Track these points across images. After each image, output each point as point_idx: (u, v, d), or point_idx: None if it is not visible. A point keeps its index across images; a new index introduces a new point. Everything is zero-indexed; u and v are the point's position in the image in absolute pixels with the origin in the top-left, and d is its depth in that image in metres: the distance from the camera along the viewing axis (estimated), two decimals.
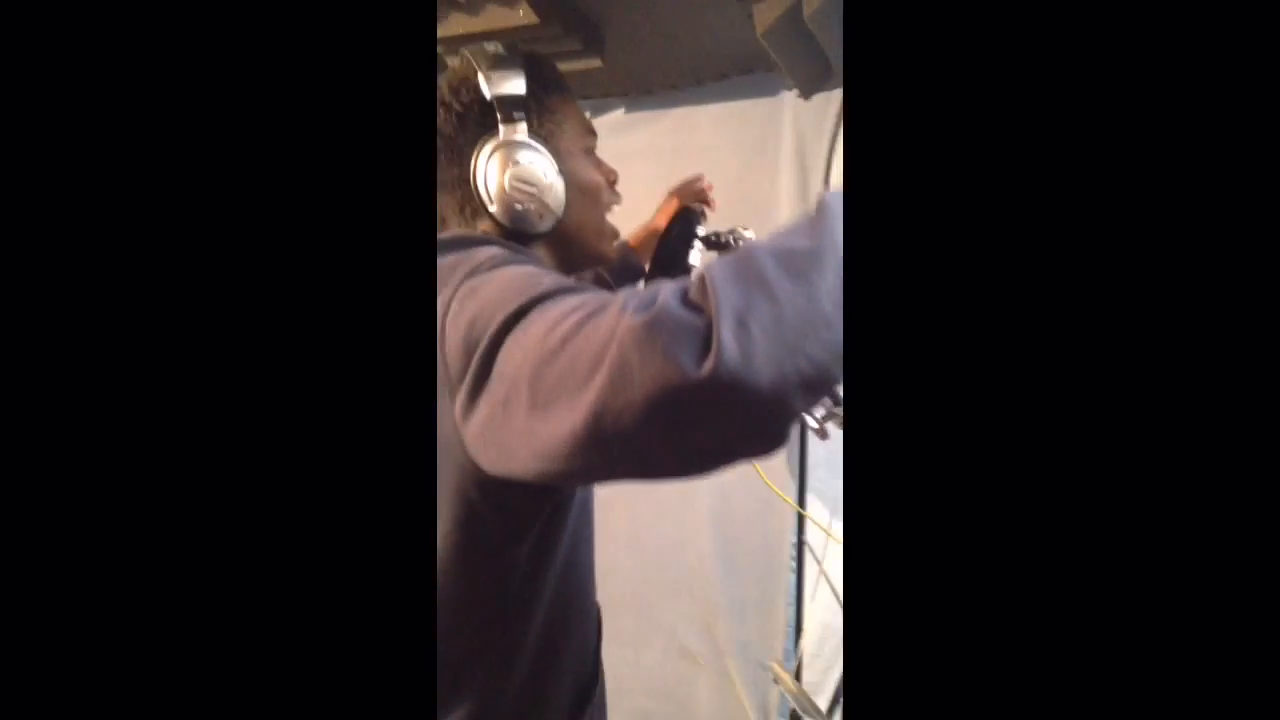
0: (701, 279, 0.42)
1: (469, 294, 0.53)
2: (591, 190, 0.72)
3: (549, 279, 0.52)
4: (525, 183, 0.65)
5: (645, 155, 1.78)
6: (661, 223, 0.94)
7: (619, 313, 0.42)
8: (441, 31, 1.32)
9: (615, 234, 0.76)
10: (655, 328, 0.39)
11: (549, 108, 0.70)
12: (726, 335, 0.38)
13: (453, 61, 0.71)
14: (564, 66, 1.46)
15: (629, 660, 1.52)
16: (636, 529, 1.54)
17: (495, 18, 1.33)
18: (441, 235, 0.65)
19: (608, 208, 0.75)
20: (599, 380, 0.40)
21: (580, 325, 0.44)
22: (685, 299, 0.41)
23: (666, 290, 0.42)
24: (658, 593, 1.56)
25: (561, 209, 0.68)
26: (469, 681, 0.62)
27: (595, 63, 1.43)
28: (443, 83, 0.69)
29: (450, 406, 0.51)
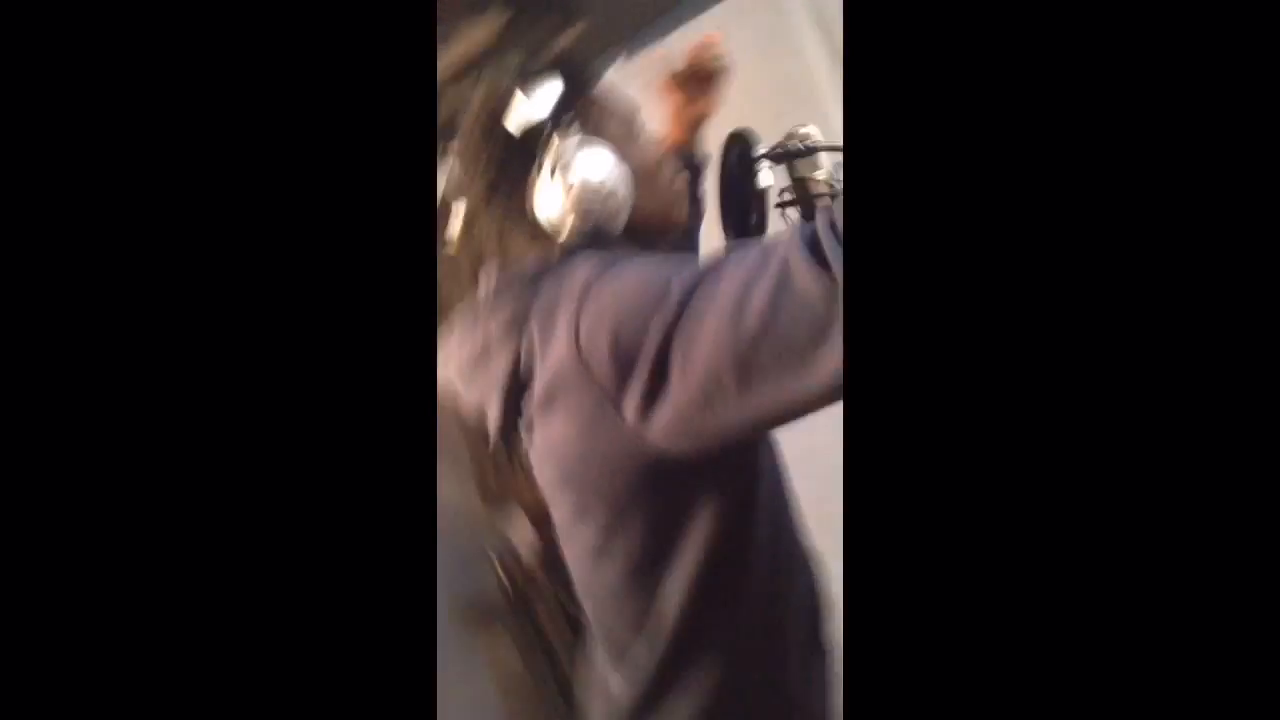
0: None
1: (594, 305, 0.55)
2: (651, 168, 0.69)
3: (666, 260, 0.55)
4: (593, 193, 0.63)
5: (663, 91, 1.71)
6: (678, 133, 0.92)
7: (805, 264, 0.46)
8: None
9: (684, 198, 0.74)
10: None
11: (591, 101, 0.68)
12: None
13: (477, 93, 0.68)
14: (555, 44, 1.43)
15: None
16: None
17: (470, 37, 1.31)
18: (519, 273, 0.64)
19: (671, 177, 0.72)
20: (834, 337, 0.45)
21: (771, 300, 0.47)
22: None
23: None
24: None
25: (632, 200, 0.65)
26: (700, 650, 0.64)
27: (581, 26, 1.38)
28: (477, 115, 0.67)
29: (613, 414, 0.54)
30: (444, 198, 0.69)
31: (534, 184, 0.64)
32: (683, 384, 0.51)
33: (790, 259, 0.47)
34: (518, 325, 0.61)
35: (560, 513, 0.68)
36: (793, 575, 0.69)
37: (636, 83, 1.74)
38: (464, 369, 0.67)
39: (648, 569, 0.63)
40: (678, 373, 0.51)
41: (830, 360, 0.46)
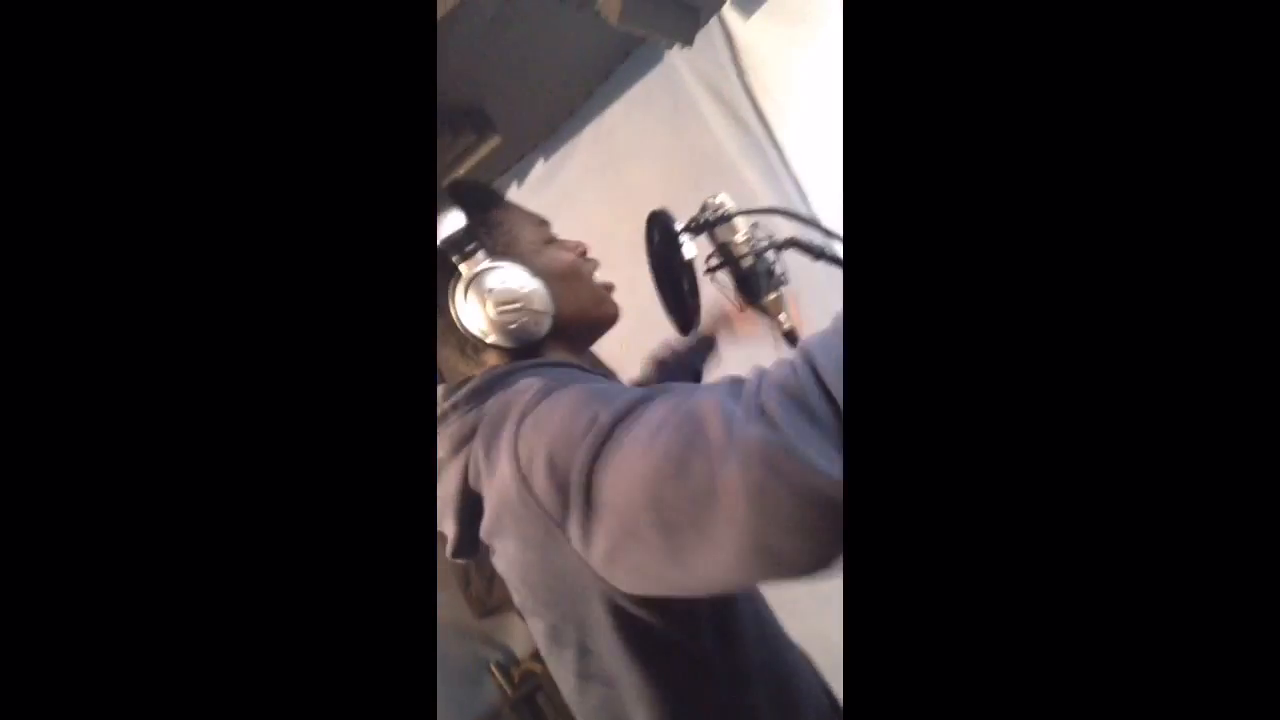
0: (794, 366, 0.44)
1: (532, 432, 0.54)
2: (569, 272, 0.73)
3: (601, 390, 0.54)
4: (508, 303, 0.66)
5: (583, 184, 1.79)
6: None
7: (724, 424, 0.44)
8: None
9: (609, 288, 0.77)
10: (780, 445, 0.41)
11: (494, 222, 0.71)
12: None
13: None
14: (472, 159, 1.49)
15: None
16: None
17: None
18: (463, 391, 0.65)
19: (590, 276, 0.76)
20: (743, 511, 0.42)
21: (686, 446, 0.45)
22: (788, 394, 0.43)
23: (768, 390, 0.44)
24: None
25: (552, 304, 0.68)
26: None
27: (495, 141, 1.45)
28: None
29: (564, 540, 0.53)
30: None
31: (454, 300, 0.67)
32: (610, 518, 0.49)
33: (712, 406, 0.46)
34: (465, 443, 0.63)
35: (538, 634, 0.67)
36: (794, 669, 0.68)
37: (555, 183, 1.81)
38: None
39: (635, 696, 0.61)
40: (603, 506, 0.49)
41: (734, 539, 0.42)
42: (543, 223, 0.76)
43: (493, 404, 0.61)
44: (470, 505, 0.63)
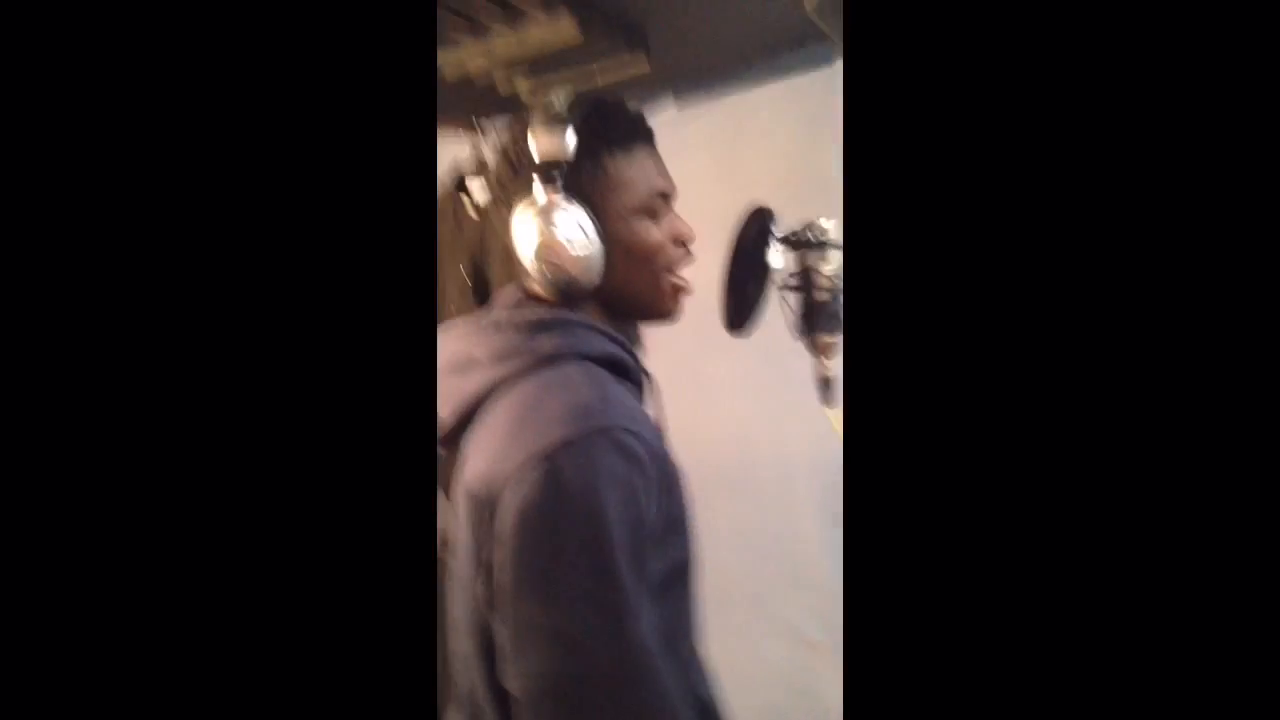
0: None
1: (520, 420, 0.61)
2: (642, 252, 0.71)
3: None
4: (552, 254, 0.65)
5: (704, 147, 1.76)
6: None
7: None
8: (491, 52, 1.33)
9: (680, 290, 0.75)
10: None
11: (607, 166, 0.69)
12: None
13: (530, 107, 0.72)
14: (611, 76, 1.46)
15: (750, 655, 1.52)
16: (740, 525, 1.53)
17: (539, 38, 1.33)
18: (527, 315, 0.67)
19: (667, 267, 0.73)
20: None
21: None
22: None
23: None
24: (769, 585, 1.55)
25: (598, 274, 0.67)
26: None
27: (642, 66, 1.41)
28: (504, 131, 0.70)
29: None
30: (461, 172, 0.72)
31: (512, 218, 0.67)
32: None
33: None
34: (502, 361, 0.65)
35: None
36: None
37: (675, 129, 1.78)
38: (445, 369, 0.69)
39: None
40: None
41: None
42: (664, 194, 0.73)
43: (544, 343, 0.64)
44: (471, 414, 0.66)
